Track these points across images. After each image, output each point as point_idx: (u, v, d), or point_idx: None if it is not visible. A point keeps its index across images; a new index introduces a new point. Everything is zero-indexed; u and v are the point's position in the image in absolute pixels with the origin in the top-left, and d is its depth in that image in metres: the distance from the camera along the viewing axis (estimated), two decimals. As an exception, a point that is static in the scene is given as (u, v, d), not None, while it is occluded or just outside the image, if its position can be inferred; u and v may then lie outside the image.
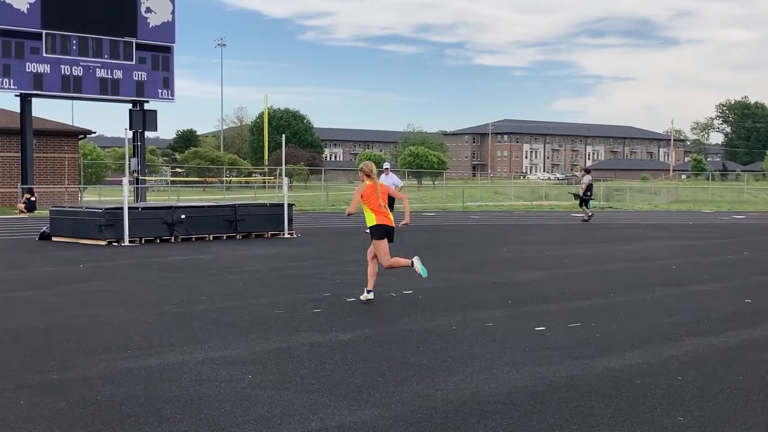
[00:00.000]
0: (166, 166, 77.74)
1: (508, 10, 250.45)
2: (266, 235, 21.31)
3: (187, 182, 58.68)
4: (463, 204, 44.15)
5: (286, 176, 24.67)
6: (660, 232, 24.36)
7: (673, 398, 6.05)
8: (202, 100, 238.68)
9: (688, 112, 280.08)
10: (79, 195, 40.55)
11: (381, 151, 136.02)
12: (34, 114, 33.37)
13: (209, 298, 10.77)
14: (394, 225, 10.68)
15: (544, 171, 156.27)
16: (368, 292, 10.42)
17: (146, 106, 34.42)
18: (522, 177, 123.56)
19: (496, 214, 35.31)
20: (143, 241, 19.12)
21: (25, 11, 30.95)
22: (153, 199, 39.47)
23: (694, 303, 10.54)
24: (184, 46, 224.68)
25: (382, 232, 10.54)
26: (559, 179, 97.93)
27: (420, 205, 43.81)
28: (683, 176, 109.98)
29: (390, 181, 23.35)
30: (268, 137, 72.09)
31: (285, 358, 7.29)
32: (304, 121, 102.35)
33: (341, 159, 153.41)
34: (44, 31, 31.29)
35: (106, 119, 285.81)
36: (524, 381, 6.50)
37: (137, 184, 33.18)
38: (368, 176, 10.59)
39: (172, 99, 35.07)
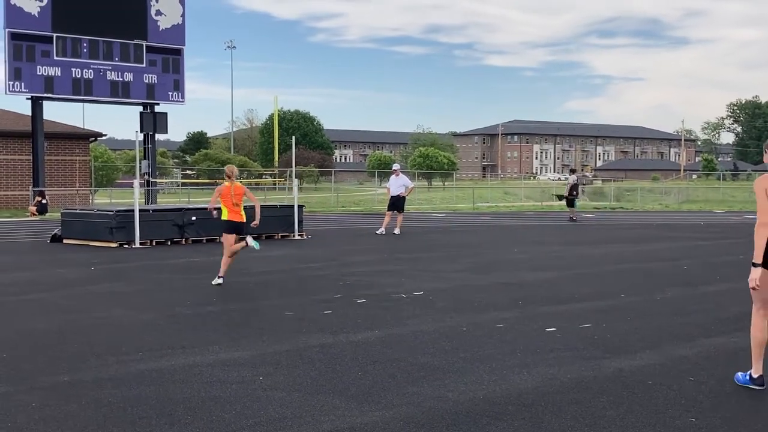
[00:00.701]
0: (176, 168, 77.92)
1: (517, 10, 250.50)
2: (276, 237, 21.33)
3: (197, 184, 58.77)
4: (473, 205, 44.09)
5: (296, 178, 24.69)
6: (671, 232, 24.28)
7: (685, 399, 6.03)
8: (213, 102, 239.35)
9: (699, 112, 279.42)
10: (90, 197, 40.67)
11: (391, 152, 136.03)
12: (45, 117, 33.47)
13: (220, 299, 10.78)
14: (243, 221, 12.18)
15: (554, 171, 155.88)
16: (219, 278, 12.04)
17: (157, 109, 34.48)
18: (532, 178, 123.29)
19: (507, 215, 35.25)
20: (154, 243, 19.17)
21: (36, 15, 31.06)
22: (164, 201, 39.57)
23: (706, 303, 10.50)
24: (194, 49, 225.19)
25: (231, 226, 12.16)
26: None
27: (430, 206, 43.78)
28: (694, 176, 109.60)
29: (400, 182, 23.36)
30: (279, 139, 72.14)
31: (296, 359, 7.29)
32: (314, 122, 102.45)
33: (351, 160, 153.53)
34: (55, 35, 31.39)
35: (117, 122, 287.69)
36: (535, 382, 6.48)
37: (148, 186, 33.27)
38: (228, 178, 12.13)
39: (183, 101, 35.12)
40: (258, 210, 12.59)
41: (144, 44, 33.56)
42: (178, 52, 34.70)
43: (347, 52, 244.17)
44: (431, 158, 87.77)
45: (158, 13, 34.02)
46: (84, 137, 40.42)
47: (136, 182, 20.54)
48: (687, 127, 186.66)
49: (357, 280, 12.64)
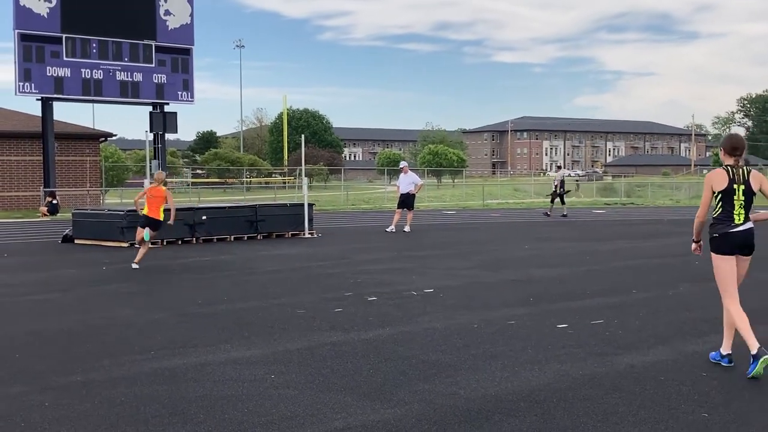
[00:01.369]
0: (186, 167, 78.00)
1: (526, 6, 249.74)
2: (287, 236, 21.36)
3: (207, 183, 58.90)
4: (483, 202, 44.05)
5: (305, 176, 24.71)
6: (682, 227, 24.18)
7: (698, 395, 6.01)
8: (222, 101, 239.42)
9: (709, 107, 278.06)
10: (101, 197, 40.79)
11: (400, 149, 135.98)
12: (55, 117, 33.57)
13: (231, 298, 10.81)
14: (159, 218, 14.74)
15: (564, 168, 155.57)
16: (135, 263, 14.30)
17: (166, 108, 34.55)
18: (542, 174, 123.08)
19: (517, 212, 35.20)
20: (165, 243, 19.21)
21: (45, 16, 31.14)
22: (174, 201, 39.58)
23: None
24: (203, 48, 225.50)
25: (147, 221, 14.73)
26: (579, 176, 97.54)
27: (440, 203, 43.75)
28: (705, 171, 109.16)
29: (409, 179, 23.35)
30: (288, 137, 72.29)
31: (307, 357, 7.30)
32: (324, 121, 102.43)
33: (360, 158, 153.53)
34: (64, 35, 31.46)
35: (127, 122, 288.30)
36: (547, 378, 6.47)
37: (158, 186, 33.27)
38: (157, 180, 15.13)
39: (192, 101, 35.18)
40: (173, 211, 15.07)
41: (153, 44, 33.62)
42: (187, 52, 34.74)
43: (355, 51, 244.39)
44: (441, 155, 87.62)
45: (167, 13, 34.07)
46: (94, 137, 40.53)
47: (147, 182, 20.57)
48: (697, 122, 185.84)
49: (367, 278, 12.65)
